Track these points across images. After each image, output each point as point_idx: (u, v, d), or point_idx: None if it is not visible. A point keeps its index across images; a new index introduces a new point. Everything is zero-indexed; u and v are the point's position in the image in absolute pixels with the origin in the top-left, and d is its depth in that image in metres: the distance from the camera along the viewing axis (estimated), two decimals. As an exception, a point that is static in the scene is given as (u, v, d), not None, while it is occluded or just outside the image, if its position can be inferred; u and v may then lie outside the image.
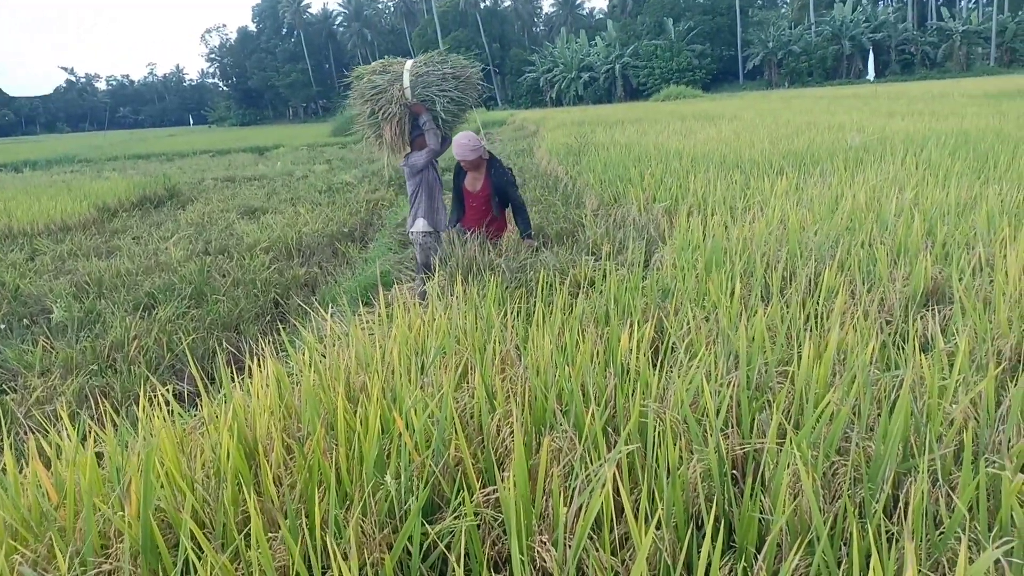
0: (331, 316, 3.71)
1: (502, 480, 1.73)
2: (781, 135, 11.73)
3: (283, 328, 4.56)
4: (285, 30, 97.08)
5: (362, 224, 10.19)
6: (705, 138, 12.43)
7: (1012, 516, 1.72)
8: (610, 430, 2.32)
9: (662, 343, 3.19)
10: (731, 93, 57.43)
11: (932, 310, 3.40)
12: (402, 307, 3.61)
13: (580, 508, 1.67)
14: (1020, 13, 64.59)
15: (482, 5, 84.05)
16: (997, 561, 1.61)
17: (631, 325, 3.23)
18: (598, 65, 72.93)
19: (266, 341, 4.38)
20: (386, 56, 5.83)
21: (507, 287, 4.41)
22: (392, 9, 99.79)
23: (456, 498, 1.79)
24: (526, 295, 4.17)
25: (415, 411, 2.13)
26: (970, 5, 70.73)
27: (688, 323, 3.08)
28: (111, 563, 1.62)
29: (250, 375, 2.70)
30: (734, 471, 2.17)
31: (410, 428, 2.16)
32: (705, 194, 6.63)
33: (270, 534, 1.71)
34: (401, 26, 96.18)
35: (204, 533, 1.77)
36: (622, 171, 9.05)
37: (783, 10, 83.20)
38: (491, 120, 37.69)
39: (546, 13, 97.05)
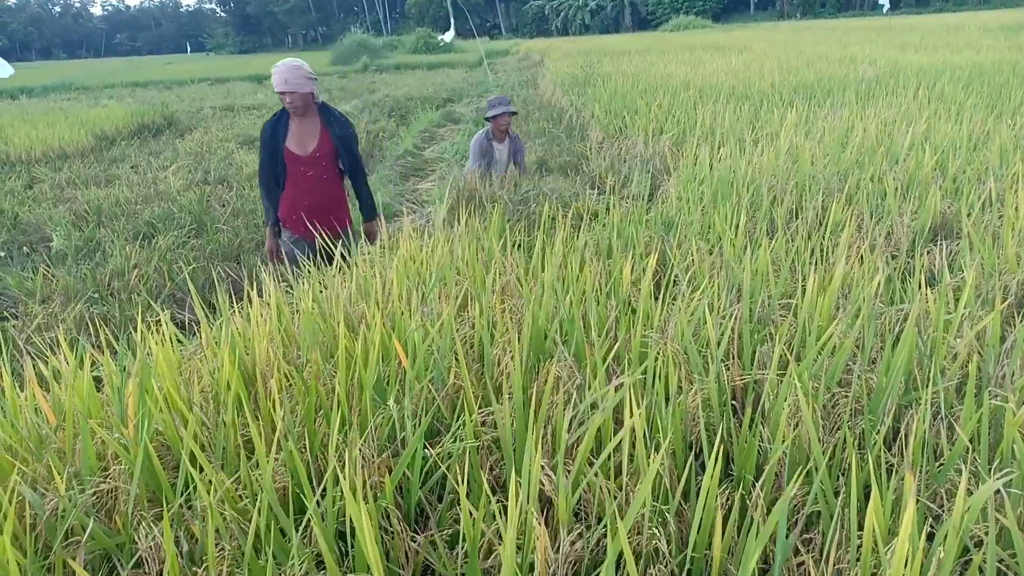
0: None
1: (498, 403, 1.72)
2: (791, 67, 11.44)
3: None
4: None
5: (363, 155, 10.02)
6: (714, 69, 12.12)
7: (1013, 448, 1.72)
8: (612, 361, 2.31)
9: (664, 276, 3.16)
10: (742, 24, 55.84)
11: (940, 245, 3.35)
12: (405, 237, 3.57)
13: (581, 434, 1.67)
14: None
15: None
16: (997, 492, 1.61)
17: (633, 258, 3.20)
18: (606, -7, 70.82)
19: (266, 271, 4.36)
20: None
21: (509, 219, 4.36)
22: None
23: (456, 422, 1.79)
24: (528, 228, 4.12)
25: (415, 338, 2.11)
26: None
27: (691, 256, 3.05)
28: (109, 483, 1.63)
29: (250, 303, 2.68)
30: (734, 402, 2.17)
31: (411, 356, 2.15)
32: (713, 126, 6.49)
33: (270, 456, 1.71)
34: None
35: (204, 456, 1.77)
36: (628, 103, 8.86)
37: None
38: (495, 50, 36.75)
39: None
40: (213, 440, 1.86)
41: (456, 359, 2.06)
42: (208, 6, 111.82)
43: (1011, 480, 1.64)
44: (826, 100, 7.54)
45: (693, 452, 1.88)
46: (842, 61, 12.19)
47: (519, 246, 3.74)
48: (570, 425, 1.77)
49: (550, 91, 13.36)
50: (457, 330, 2.42)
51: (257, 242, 5.91)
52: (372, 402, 1.96)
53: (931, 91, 7.77)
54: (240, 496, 1.67)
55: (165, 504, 1.53)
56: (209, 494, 1.50)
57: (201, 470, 1.64)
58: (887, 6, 30.01)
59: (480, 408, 1.92)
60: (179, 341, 2.56)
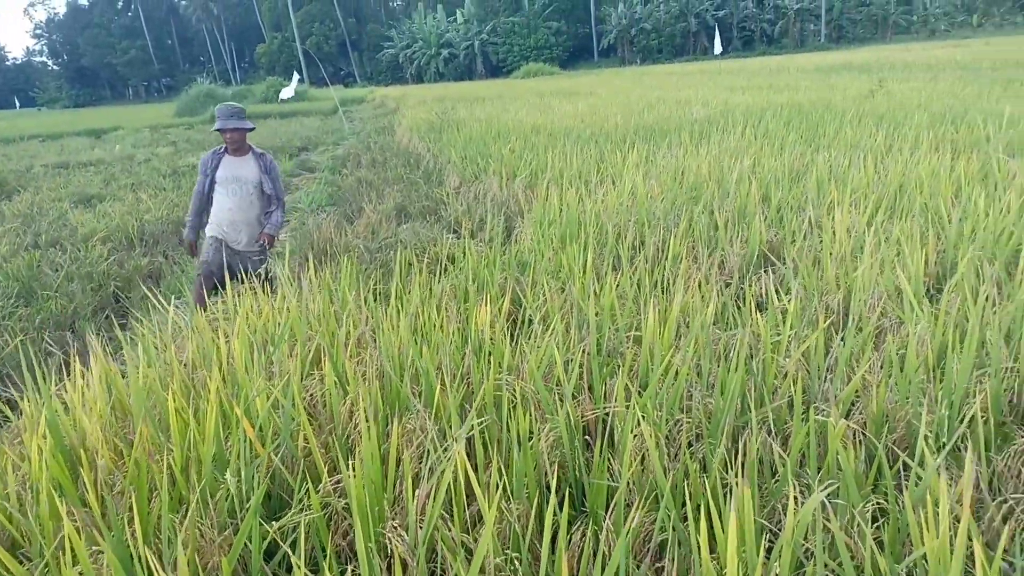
0: (173, 309, 3.46)
1: (347, 468, 1.67)
2: (633, 110, 12.15)
3: (118, 324, 4.21)
4: (121, 3, 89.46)
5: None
6: (563, 114, 12.66)
7: (838, 460, 1.86)
8: (468, 406, 2.30)
9: (520, 316, 3.21)
10: (587, 70, 58.88)
11: (768, 271, 3.63)
12: (252, 294, 3.43)
13: (431, 489, 1.64)
14: (844, -7, 70.56)
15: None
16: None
17: (489, 300, 3.24)
18: (457, 42, 72.54)
19: (104, 338, 4.03)
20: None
21: (365, 268, 4.30)
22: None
23: (300, 490, 1.72)
24: (386, 275, 4.07)
25: (257, 403, 2.01)
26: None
27: (543, 295, 3.12)
28: None
29: (82, 375, 2.47)
30: (588, 437, 2.22)
31: (256, 422, 2.05)
32: (562, 168, 6.74)
33: (94, 547, 1.56)
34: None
35: (17, 554, 1.59)
36: (483, 148, 9.06)
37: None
38: (350, 98, 36.60)
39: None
40: (31, 535, 1.68)
41: (305, 422, 1.98)
42: (39, 59, 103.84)
43: (836, 490, 1.77)
44: (664, 140, 8.05)
45: (553, 490, 1.90)
46: (678, 103, 13.10)
47: (376, 295, 3.69)
48: (424, 478, 1.74)
49: (407, 138, 13.43)
50: (307, 389, 2.34)
51: (95, 308, 5.50)
52: (212, 477, 1.85)
53: (756, 128, 8.49)
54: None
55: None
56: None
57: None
58: (719, 50, 32.65)
59: (331, 472, 1.85)
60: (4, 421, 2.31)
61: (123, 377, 2.60)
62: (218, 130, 4.54)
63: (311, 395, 2.34)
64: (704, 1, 69.27)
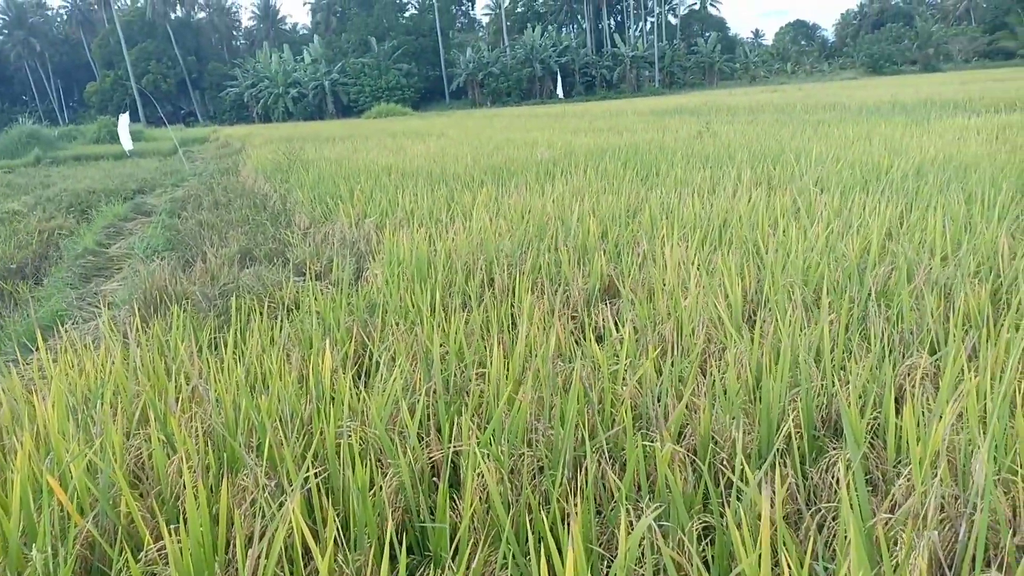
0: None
1: (170, 532, 1.56)
2: (483, 151, 12.44)
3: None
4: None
5: (35, 257, 8.79)
6: (414, 154, 12.73)
7: (666, 482, 1.96)
8: (311, 458, 2.23)
9: (368, 359, 3.16)
10: (439, 111, 59.69)
11: (607, 304, 3.81)
12: (71, 351, 3.15)
13: (264, 550, 1.56)
14: (673, 42, 76.52)
15: (172, 16, 77.56)
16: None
17: (335, 344, 3.16)
18: (306, 81, 71.33)
19: None
20: None
21: (202, 316, 4.07)
22: (65, 17, 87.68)
23: (119, 560, 1.58)
24: (221, 325, 3.88)
25: (72, 468, 1.84)
26: (636, 33, 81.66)
27: (391, 337, 3.10)
28: None
29: None
30: (436, 478, 2.21)
31: (70, 489, 1.87)
32: (413, 208, 6.77)
33: None
34: (78, 36, 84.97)
35: None
36: (332, 188, 8.92)
37: (480, 33, 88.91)
38: (192, 137, 34.89)
39: (246, 27, 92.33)
40: None
41: (125, 486, 1.83)
42: None
43: (664, 511, 1.87)
44: (511, 180, 8.29)
45: (388, 538, 1.87)
46: (526, 144, 13.56)
47: (214, 345, 3.50)
48: (258, 538, 1.65)
49: (252, 178, 12.96)
50: (132, 450, 2.17)
51: None
52: (19, 554, 1.66)
53: (597, 169, 8.95)
54: None
55: None
56: None
57: None
58: (561, 94, 34.35)
59: (156, 538, 1.72)
60: None
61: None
62: None
63: (137, 456, 2.18)
64: (548, 48, 72.60)
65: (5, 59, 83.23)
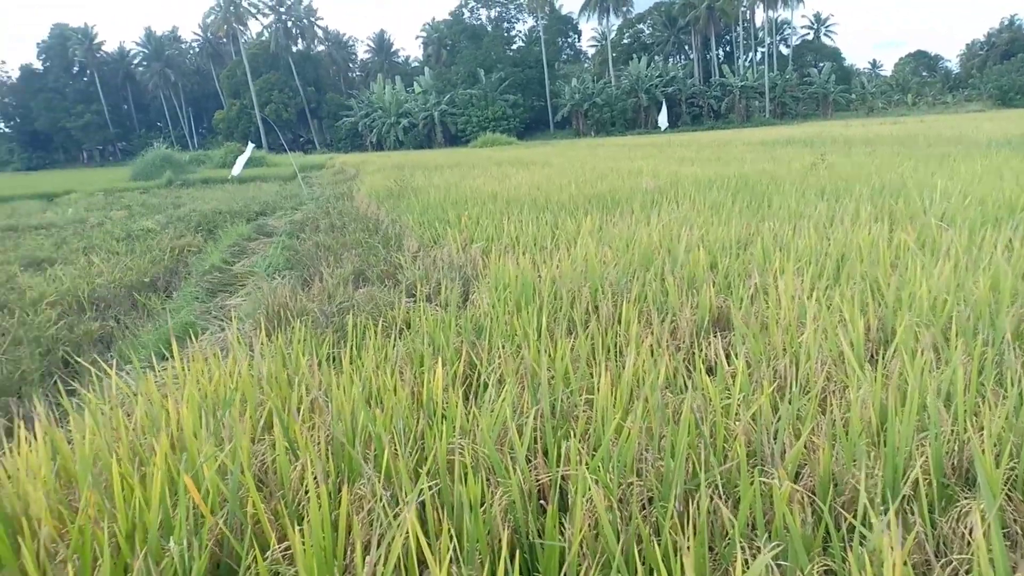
0: (121, 374, 3.39)
1: (296, 533, 1.64)
2: (587, 179, 12.48)
3: (66, 390, 4.09)
4: (76, 69, 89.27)
5: (166, 272, 9.49)
6: (518, 182, 12.93)
7: (784, 521, 1.89)
8: (422, 471, 2.29)
9: (475, 379, 3.22)
10: (543, 141, 60.47)
11: (717, 336, 3.72)
12: (202, 359, 3.38)
13: (380, 557, 1.62)
14: (785, 72, 74.55)
15: (294, 49, 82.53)
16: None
17: (444, 364, 3.24)
18: (416, 111, 74.02)
19: (51, 404, 3.89)
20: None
21: (320, 332, 4.27)
22: (197, 49, 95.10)
23: (247, 557, 1.68)
24: (338, 340, 4.05)
25: (205, 468, 1.97)
26: (746, 64, 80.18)
27: (498, 359, 3.15)
28: None
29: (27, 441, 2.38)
30: (542, 500, 2.22)
31: (203, 488, 2.00)
32: (518, 234, 6.87)
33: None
34: (208, 67, 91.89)
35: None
36: (441, 213, 9.18)
37: (586, 64, 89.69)
38: (310, 164, 36.83)
39: (362, 59, 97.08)
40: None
41: (253, 488, 1.94)
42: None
43: (782, 550, 1.80)
44: (616, 209, 8.27)
45: (502, 554, 1.89)
46: (630, 173, 13.51)
47: (330, 359, 3.66)
48: (375, 545, 1.71)
49: (366, 203, 13.53)
50: (257, 454, 2.30)
51: (42, 373, 5.32)
52: (158, 545, 1.79)
53: (705, 199, 8.80)
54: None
55: None
56: None
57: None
58: (666, 124, 34.07)
59: (279, 539, 1.81)
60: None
61: (69, 444, 2.52)
62: None
63: (261, 460, 2.30)
64: (653, 78, 72.35)
65: (144, 88, 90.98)
